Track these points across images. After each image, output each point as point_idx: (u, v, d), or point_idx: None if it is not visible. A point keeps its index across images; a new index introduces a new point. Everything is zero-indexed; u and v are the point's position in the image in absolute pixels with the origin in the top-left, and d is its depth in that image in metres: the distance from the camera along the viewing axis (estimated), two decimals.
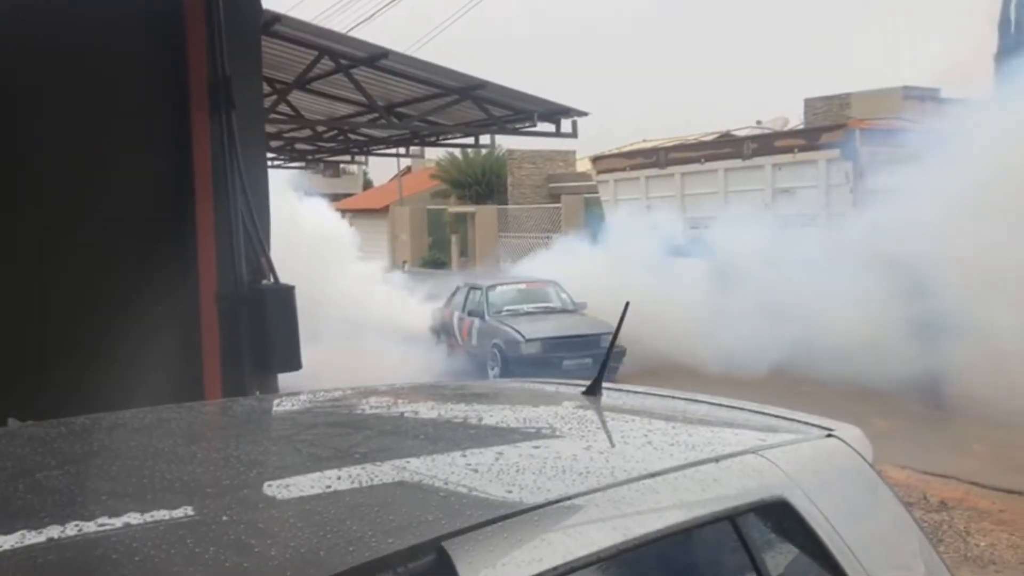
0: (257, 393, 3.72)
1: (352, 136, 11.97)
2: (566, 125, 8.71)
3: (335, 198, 37.74)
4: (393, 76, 8.47)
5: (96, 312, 3.51)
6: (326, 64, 8.09)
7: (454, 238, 34.79)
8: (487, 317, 12.45)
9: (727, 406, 2.33)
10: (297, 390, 2.40)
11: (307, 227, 13.26)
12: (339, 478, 1.40)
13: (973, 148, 13.99)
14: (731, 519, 1.55)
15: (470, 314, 12.92)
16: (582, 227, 20.00)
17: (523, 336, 11.50)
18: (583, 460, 1.60)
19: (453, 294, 14.19)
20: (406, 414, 2.13)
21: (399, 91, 9.00)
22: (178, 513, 1.26)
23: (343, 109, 10.19)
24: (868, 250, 11.86)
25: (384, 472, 1.46)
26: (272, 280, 4.18)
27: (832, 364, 9.98)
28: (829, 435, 2.04)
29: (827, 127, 16.21)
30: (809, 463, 1.84)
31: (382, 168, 48.87)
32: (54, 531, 1.15)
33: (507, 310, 12.55)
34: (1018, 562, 5.74)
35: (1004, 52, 25.49)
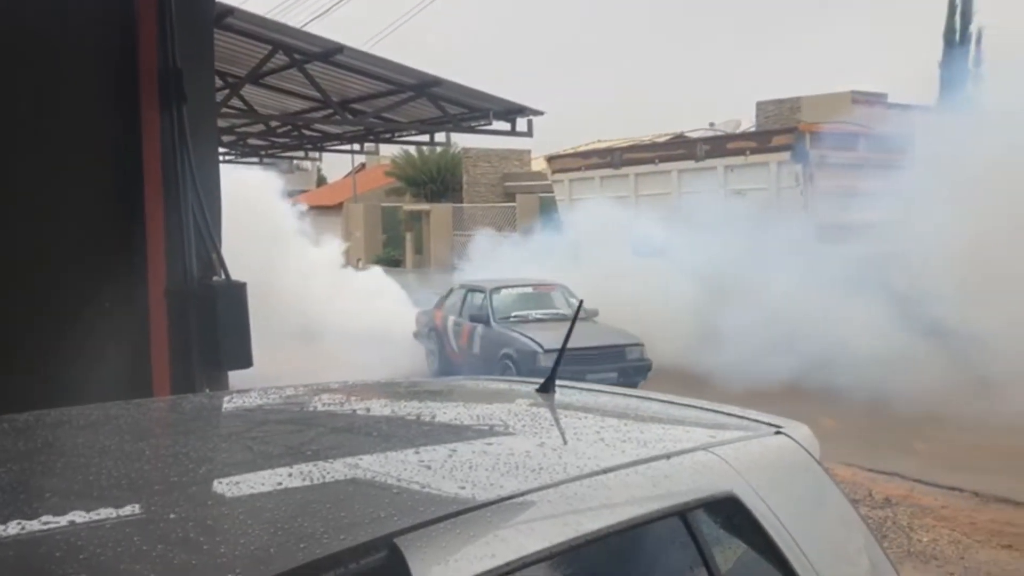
0: (207, 390, 3.68)
1: (306, 132, 11.85)
2: (521, 124, 8.72)
3: (288, 195, 37.16)
4: (348, 72, 8.41)
5: (42, 308, 3.44)
6: (280, 59, 8.01)
7: (409, 236, 34.66)
8: (493, 323, 11.48)
9: (679, 404, 2.36)
10: (248, 387, 2.38)
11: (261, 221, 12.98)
12: (290, 475, 1.39)
13: (920, 151, 14.39)
14: (681, 515, 1.57)
15: (472, 319, 11.91)
16: (541, 225, 19.94)
17: (542, 346, 10.48)
18: (536, 457, 1.61)
19: (446, 296, 13.23)
20: (359, 411, 2.12)
21: (354, 87, 8.94)
22: (125, 511, 1.24)
23: (297, 104, 10.08)
24: (818, 252, 12.09)
25: (336, 469, 1.46)
26: (223, 276, 4.13)
27: (781, 364, 10.12)
28: (778, 432, 2.07)
29: (778, 130, 16.47)
30: (758, 460, 1.86)
31: (336, 165, 48.50)
32: None
33: (515, 316, 11.56)
34: (958, 557, 5.89)
35: (948, 60, 26.28)
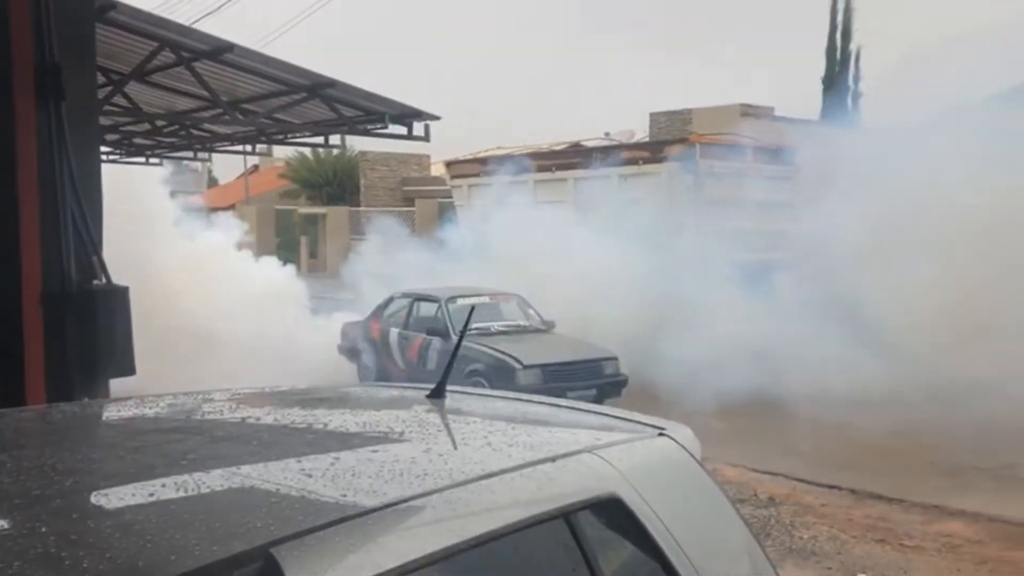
0: (85, 400, 3.53)
1: (194, 132, 11.49)
2: (418, 128, 8.68)
3: (173, 195, 36.12)
4: (239, 71, 8.20)
5: None
6: (167, 56, 7.75)
7: (304, 240, 34.04)
8: (453, 337, 10.39)
9: (567, 407, 2.39)
10: (127, 395, 2.29)
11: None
12: (164, 486, 1.34)
13: (802, 163, 15.06)
14: (566, 516, 1.59)
15: (428, 332, 10.81)
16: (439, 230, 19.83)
17: (520, 362, 9.70)
18: (422, 462, 1.60)
19: (384, 305, 12.16)
20: (242, 420, 2.07)
21: (245, 87, 8.72)
22: None
23: (185, 103, 9.78)
24: (705, 257, 12.46)
25: (213, 479, 1.42)
26: (104, 280, 3.98)
27: (673, 368, 10.34)
28: (661, 434, 2.12)
29: (670, 140, 16.91)
30: (641, 461, 1.91)
31: (228, 166, 47.30)
32: None
33: (476, 329, 10.44)
34: (836, 552, 6.15)
35: (829, 76, 27.58)
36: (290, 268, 17.06)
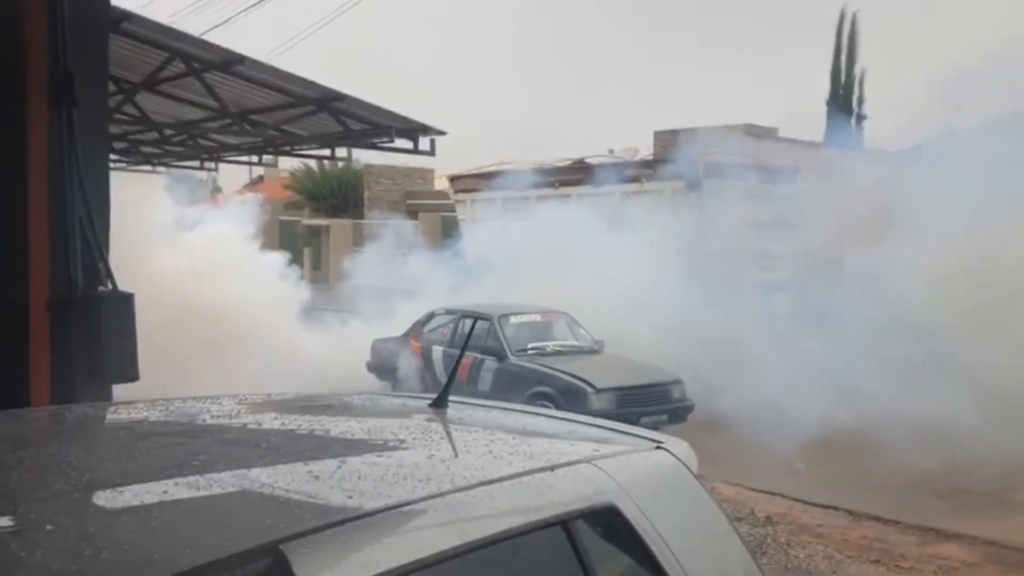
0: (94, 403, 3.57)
1: (202, 141, 11.58)
2: (424, 143, 8.76)
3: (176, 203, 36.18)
4: (248, 83, 8.29)
5: None
6: (177, 66, 7.84)
7: (307, 251, 34.10)
8: (511, 357, 10.10)
9: (568, 420, 2.44)
10: (134, 399, 2.33)
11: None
12: (176, 485, 1.39)
13: (805, 184, 15.13)
14: (563, 524, 1.63)
15: (483, 352, 10.37)
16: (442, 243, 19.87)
17: (593, 386, 9.26)
18: (424, 468, 1.65)
19: (424, 321, 11.72)
20: (249, 424, 2.11)
21: (253, 98, 8.80)
22: (2, 520, 1.22)
23: (193, 113, 9.87)
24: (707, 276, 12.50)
25: (223, 480, 1.46)
26: (110, 287, 4.03)
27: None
28: (658, 447, 2.17)
29: (674, 159, 16.98)
30: (638, 472, 1.95)
31: (233, 177, 47.43)
32: None
33: (532, 348, 10.21)
34: (831, 571, 6.17)
35: (834, 99, 27.73)
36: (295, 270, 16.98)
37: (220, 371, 10.31)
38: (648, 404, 9.47)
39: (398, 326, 12.52)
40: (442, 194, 28.63)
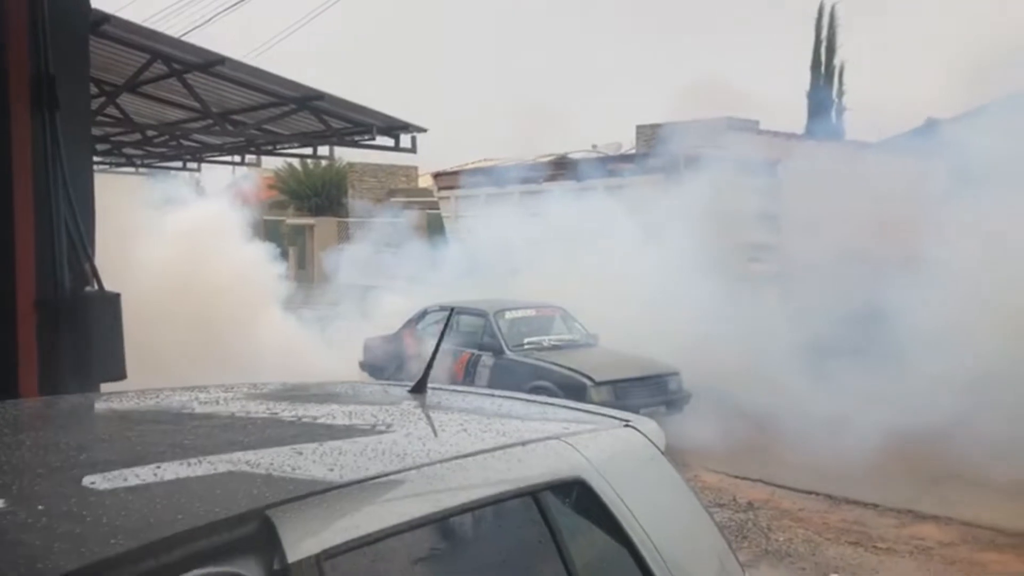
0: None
1: (184, 142, 11.62)
2: (405, 140, 8.83)
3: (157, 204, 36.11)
4: (229, 83, 8.35)
5: None
6: (159, 68, 7.89)
7: (292, 250, 34.09)
8: (508, 352, 10.24)
9: (539, 402, 2.54)
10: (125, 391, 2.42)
11: None
12: (169, 461, 1.48)
13: (786, 176, 15.26)
14: (533, 495, 1.74)
15: (480, 348, 10.51)
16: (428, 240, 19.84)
17: (592, 379, 9.42)
18: (402, 444, 1.75)
19: (418, 318, 11.73)
20: (236, 412, 2.20)
21: (235, 98, 8.86)
22: (8, 490, 1.31)
23: (175, 114, 9.91)
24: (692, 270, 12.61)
25: (213, 457, 1.56)
26: (96, 287, 4.10)
27: None
28: (626, 425, 2.28)
29: (656, 153, 17.10)
30: (606, 448, 2.06)
31: (218, 177, 47.30)
32: None
33: (528, 343, 10.36)
34: (810, 553, 6.31)
35: (815, 90, 27.92)
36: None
37: (204, 372, 10.33)
38: (646, 396, 9.54)
39: (384, 324, 12.53)
40: (426, 191, 28.70)
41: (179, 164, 14.75)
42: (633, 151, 21.55)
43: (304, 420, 2.06)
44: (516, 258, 14.17)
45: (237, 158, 13.24)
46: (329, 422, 2.04)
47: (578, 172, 16.99)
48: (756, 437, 9.68)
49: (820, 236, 12.54)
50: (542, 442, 1.90)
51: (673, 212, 14.89)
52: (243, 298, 12.88)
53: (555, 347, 10.44)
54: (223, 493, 1.34)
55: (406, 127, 8.65)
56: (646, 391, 9.66)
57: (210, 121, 9.06)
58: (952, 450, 8.59)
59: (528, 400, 2.57)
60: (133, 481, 1.37)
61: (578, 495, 1.89)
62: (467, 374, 10.46)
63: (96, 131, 9.44)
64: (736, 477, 8.44)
